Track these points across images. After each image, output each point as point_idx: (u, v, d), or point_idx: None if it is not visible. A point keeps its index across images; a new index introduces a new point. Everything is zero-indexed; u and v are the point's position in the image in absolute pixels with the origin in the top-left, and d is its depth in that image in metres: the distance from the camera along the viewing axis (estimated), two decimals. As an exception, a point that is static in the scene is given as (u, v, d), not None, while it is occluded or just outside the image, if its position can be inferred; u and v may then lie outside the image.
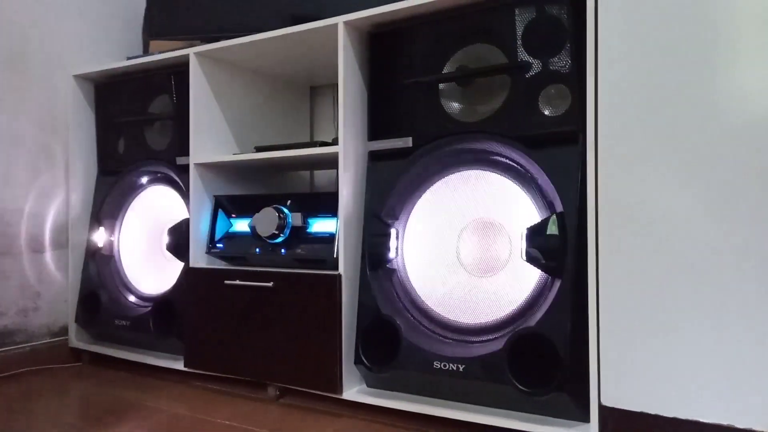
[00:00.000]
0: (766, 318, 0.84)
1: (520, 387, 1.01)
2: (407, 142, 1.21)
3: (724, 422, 0.87)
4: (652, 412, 0.92)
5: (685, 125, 0.91)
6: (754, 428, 0.85)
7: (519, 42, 1.09)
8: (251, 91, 1.60)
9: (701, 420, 0.88)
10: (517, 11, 1.09)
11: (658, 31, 0.93)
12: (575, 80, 1.03)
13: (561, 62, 1.05)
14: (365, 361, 1.18)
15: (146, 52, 1.78)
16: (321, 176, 1.81)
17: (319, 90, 1.82)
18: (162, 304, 1.48)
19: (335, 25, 1.25)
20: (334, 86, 1.77)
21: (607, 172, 0.96)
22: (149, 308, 1.49)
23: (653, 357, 0.92)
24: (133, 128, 1.62)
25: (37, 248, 1.64)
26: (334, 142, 1.29)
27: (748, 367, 0.85)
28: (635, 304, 0.93)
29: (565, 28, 1.04)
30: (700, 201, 0.89)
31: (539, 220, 1.05)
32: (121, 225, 1.64)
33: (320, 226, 1.30)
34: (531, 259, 1.05)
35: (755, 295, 0.85)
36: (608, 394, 0.95)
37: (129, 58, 1.63)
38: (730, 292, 0.87)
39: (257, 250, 1.36)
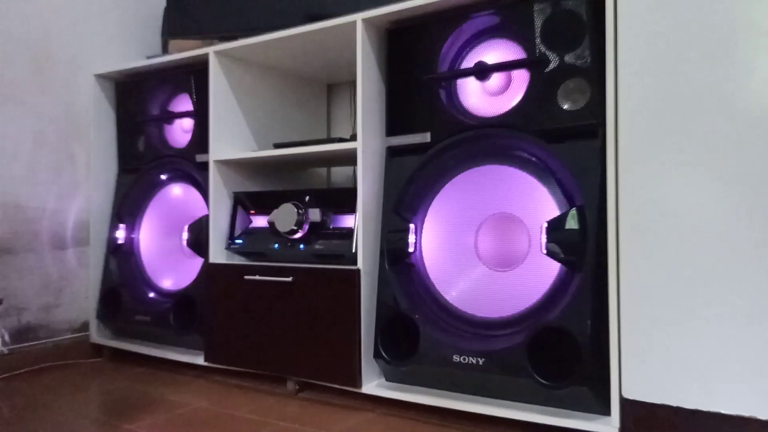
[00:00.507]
0: (789, 310, 0.84)
1: (541, 380, 1.01)
2: (425, 137, 1.22)
3: (746, 414, 0.87)
4: (674, 404, 0.92)
5: (705, 119, 0.91)
6: (778, 420, 0.85)
7: (537, 36, 1.09)
8: (269, 88, 1.62)
9: (723, 412, 0.88)
10: (535, 6, 1.10)
11: (679, 25, 0.93)
12: (594, 74, 1.04)
13: (580, 56, 1.05)
14: (384, 355, 1.19)
15: (165, 51, 1.81)
16: (338, 173, 1.83)
17: (336, 87, 1.83)
18: (182, 299, 1.50)
19: (354, 23, 1.26)
20: (351, 83, 1.79)
21: (627, 166, 0.97)
22: (169, 304, 1.51)
23: (674, 349, 0.92)
24: (153, 126, 1.65)
25: (59, 245, 1.67)
26: (353, 138, 1.30)
27: (771, 359, 0.85)
28: (656, 297, 0.94)
29: (583, 21, 1.05)
30: (720, 194, 0.89)
31: (559, 214, 1.06)
32: (141, 222, 1.66)
33: (339, 221, 1.31)
34: (551, 253, 1.05)
35: (778, 286, 0.85)
36: (629, 386, 0.96)
37: (148, 58, 1.65)
38: (751, 284, 0.87)
39: (276, 245, 1.38)
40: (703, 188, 0.91)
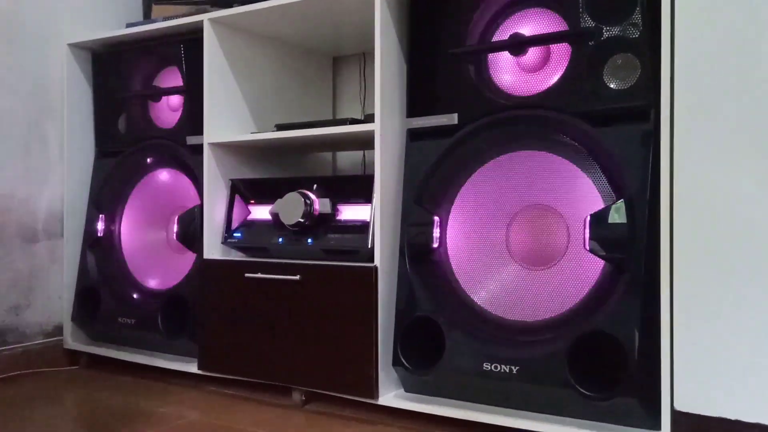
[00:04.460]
0: None
1: (583, 391, 1.04)
2: (452, 119, 1.23)
3: (814, 429, 0.90)
4: (732, 417, 0.95)
5: (773, 100, 0.93)
6: None
7: (581, 5, 1.11)
8: (269, 62, 1.64)
9: (788, 426, 0.91)
10: (579, -29, 1.12)
11: (744, -6, 0.95)
12: (647, 49, 1.05)
13: (630, 28, 1.07)
14: (405, 362, 1.21)
15: (147, 17, 1.82)
16: (344, 158, 1.85)
17: (343, 60, 1.85)
18: (172, 300, 1.52)
19: (370, -13, 1.28)
20: (361, 56, 1.81)
21: (684, 154, 0.99)
22: (157, 305, 1.53)
23: (733, 358, 0.95)
24: (136, 104, 1.66)
25: (29, 238, 1.68)
26: (367, 119, 1.32)
27: (842, 368, 0.88)
28: (714, 301, 0.96)
29: (635, -11, 1.07)
30: (790, 184, 0.92)
31: (603, 207, 1.08)
32: (123, 212, 1.68)
33: (352, 213, 1.33)
34: (594, 249, 1.08)
35: None
36: (682, 398, 0.99)
37: (129, 25, 1.66)
38: (823, 285, 0.90)
39: (280, 239, 1.40)
40: (769, 179, 0.93)
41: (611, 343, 1.03)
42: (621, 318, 1.03)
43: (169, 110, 1.63)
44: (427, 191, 1.25)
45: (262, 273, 1.36)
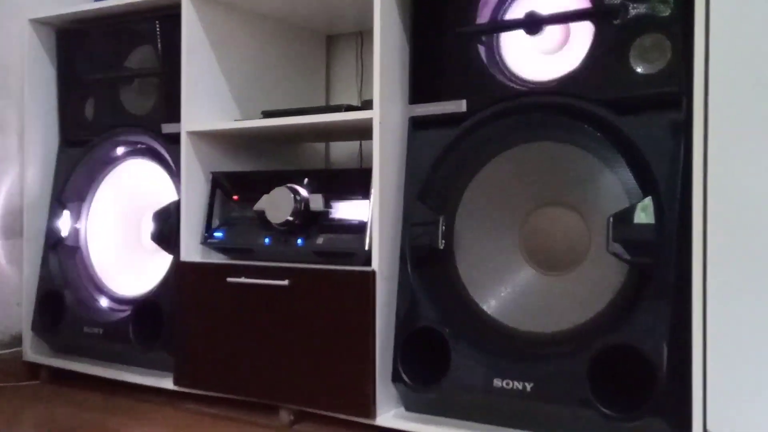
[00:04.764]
0: None
1: (605, 411, 1.04)
2: (460, 106, 1.23)
3: None
4: (772, 441, 0.95)
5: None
6: None
7: (606, -20, 1.11)
8: (255, 41, 1.63)
9: (835, 451, 0.91)
10: (603, -58, 1.11)
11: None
12: (678, 28, 1.05)
13: (660, 6, 1.06)
14: (405, 378, 1.21)
15: (118, -10, 1.81)
16: (339, 149, 1.84)
17: (337, 39, 1.85)
18: (144, 307, 1.51)
19: (368, -44, 1.27)
20: (358, 35, 1.80)
21: (720, 146, 0.98)
22: (128, 312, 1.52)
23: (774, 374, 0.95)
24: (106, 87, 1.65)
25: (-16, 237, 1.68)
26: (365, 105, 1.32)
27: None
28: (753, 309, 0.96)
29: (665, -39, 1.07)
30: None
31: (629, 205, 1.08)
32: (90, 208, 1.67)
33: (347, 210, 1.33)
34: (617, 252, 1.07)
35: None
36: (716, 418, 0.98)
37: (97, -1, 1.66)
38: None
39: (266, 240, 1.39)
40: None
41: (637, 358, 1.03)
42: (648, 329, 1.03)
43: (142, 94, 1.62)
44: (432, 187, 1.25)
45: (246, 277, 1.36)
